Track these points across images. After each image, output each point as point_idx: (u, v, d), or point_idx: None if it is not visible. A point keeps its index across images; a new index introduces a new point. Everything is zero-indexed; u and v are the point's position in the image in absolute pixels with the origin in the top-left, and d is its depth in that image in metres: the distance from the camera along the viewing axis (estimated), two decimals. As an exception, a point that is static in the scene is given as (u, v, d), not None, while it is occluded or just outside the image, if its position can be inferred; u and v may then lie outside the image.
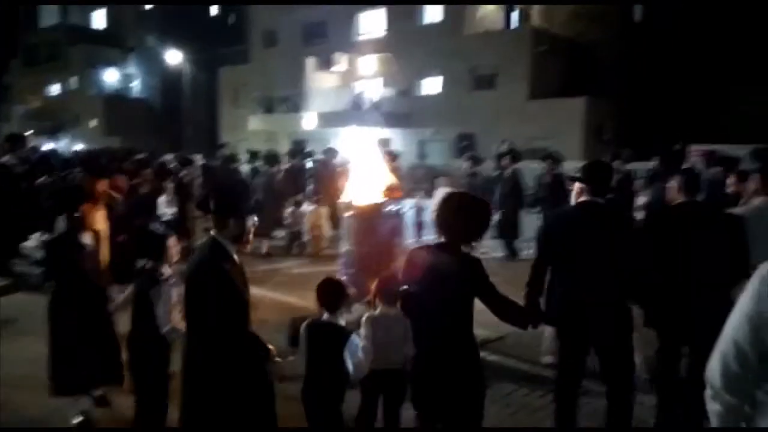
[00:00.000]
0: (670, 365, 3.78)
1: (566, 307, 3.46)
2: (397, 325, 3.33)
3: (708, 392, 1.78)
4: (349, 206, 5.47)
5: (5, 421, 4.05)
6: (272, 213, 10.03)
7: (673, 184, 3.76)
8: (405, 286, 3.21)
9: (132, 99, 40.81)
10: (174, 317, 3.43)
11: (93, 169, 5.93)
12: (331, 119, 25.72)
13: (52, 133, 38.01)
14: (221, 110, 34.04)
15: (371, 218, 5.31)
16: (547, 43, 23.68)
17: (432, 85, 26.78)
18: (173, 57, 30.93)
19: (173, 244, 3.68)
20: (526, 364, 4.93)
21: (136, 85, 41.97)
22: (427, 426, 3.18)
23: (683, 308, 3.57)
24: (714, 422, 1.76)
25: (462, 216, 3.05)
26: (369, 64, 28.31)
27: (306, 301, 5.61)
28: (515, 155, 10.07)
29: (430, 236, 11.65)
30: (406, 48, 25.89)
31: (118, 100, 39.41)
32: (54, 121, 39.07)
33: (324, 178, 10.73)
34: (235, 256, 2.95)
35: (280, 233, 10.39)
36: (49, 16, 42.86)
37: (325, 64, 28.39)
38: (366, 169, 5.62)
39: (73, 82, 40.57)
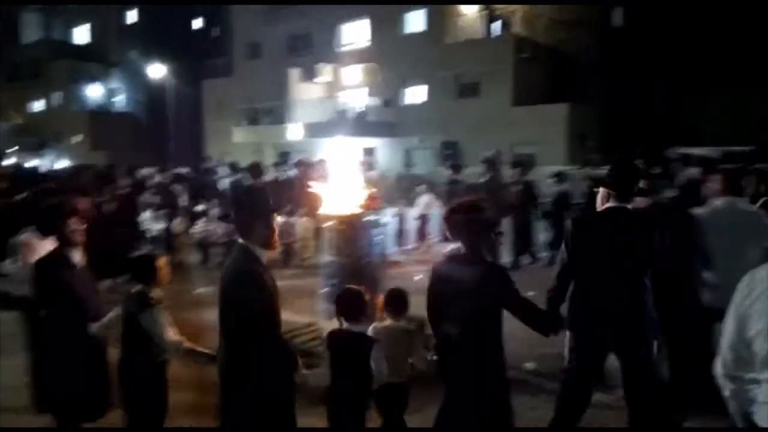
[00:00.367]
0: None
1: (589, 315, 3.40)
2: (404, 338, 3.34)
3: (718, 383, 2.09)
4: (328, 217, 5.45)
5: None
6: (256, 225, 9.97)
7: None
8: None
9: (116, 114, 40.61)
10: (170, 336, 3.38)
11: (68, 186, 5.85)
12: (316, 130, 25.74)
13: (37, 149, 37.73)
14: (206, 123, 33.98)
15: (351, 229, 5.29)
16: (529, 50, 23.91)
17: (417, 94, 26.91)
18: (157, 71, 30.84)
19: (164, 265, 3.57)
20: (511, 371, 4.91)
21: (120, 100, 41.78)
22: None
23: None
24: (731, 410, 2.07)
25: (474, 224, 3.05)
26: (353, 74, 28.41)
27: (300, 315, 5.58)
28: (523, 165, 10.12)
29: (411, 245, 11.79)
30: (390, 57, 26.03)
31: (102, 115, 39.21)
32: (38, 137, 38.79)
33: (304, 189, 10.70)
34: (265, 262, 2.92)
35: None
36: (31, 32, 42.64)
37: (310, 75, 28.45)
38: (345, 179, 5.61)
39: (57, 97, 40.33)
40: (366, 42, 28.23)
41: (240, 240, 2.91)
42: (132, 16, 40.38)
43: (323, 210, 5.57)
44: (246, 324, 2.77)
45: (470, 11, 25.81)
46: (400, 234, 11.98)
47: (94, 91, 40.88)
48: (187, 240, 10.11)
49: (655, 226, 3.38)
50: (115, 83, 41.38)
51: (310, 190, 5.62)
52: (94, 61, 40.37)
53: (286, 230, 10.18)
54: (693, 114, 21.96)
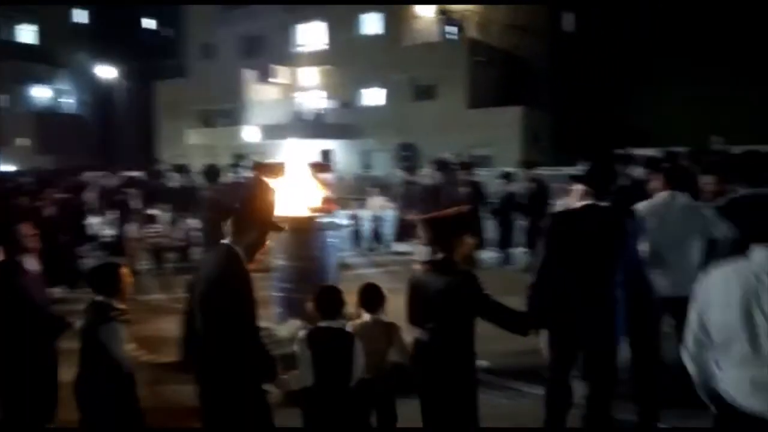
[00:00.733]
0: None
1: (561, 311, 3.46)
2: (383, 332, 3.33)
3: (685, 362, 2.40)
4: (281, 220, 5.39)
5: None
6: (217, 229, 9.81)
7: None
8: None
9: (65, 116, 39.25)
10: (126, 352, 3.26)
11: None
12: (272, 132, 25.50)
13: (-22, 152, 36.17)
14: (158, 125, 33.25)
15: (304, 232, 5.25)
16: (483, 54, 24.26)
17: (374, 96, 26.95)
18: (106, 72, 30.02)
19: (127, 275, 3.42)
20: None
21: (68, 102, 40.49)
22: None
23: None
24: (696, 387, 2.39)
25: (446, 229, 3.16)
26: (310, 76, 28.26)
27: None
28: (470, 166, 10.27)
29: (366, 248, 11.79)
30: (347, 60, 26.00)
31: (49, 117, 37.81)
32: (-19, 140, 37.19)
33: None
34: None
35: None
36: (-27, 31, 40.89)
37: (265, 76, 28.15)
38: (299, 181, 5.57)
39: (2, 99, 38.77)
40: (322, 44, 28.12)
41: (224, 241, 2.81)
42: (80, 15, 39.17)
43: (276, 213, 5.50)
44: (238, 323, 2.71)
45: (426, 14, 26.01)
46: (356, 236, 11.96)
47: (40, 93, 39.46)
48: (141, 245, 9.82)
49: (626, 221, 3.52)
50: (62, 84, 40.09)
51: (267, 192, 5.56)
52: (40, 61, 38.92)
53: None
54: (641, 116, 22.69)
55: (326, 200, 5.62)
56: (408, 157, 22.07)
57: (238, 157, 20.54)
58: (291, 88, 28.58)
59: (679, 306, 4.02)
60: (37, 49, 39.73)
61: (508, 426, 4.00)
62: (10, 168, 26.28)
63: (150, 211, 10.52)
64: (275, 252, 5.42)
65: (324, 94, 27.68)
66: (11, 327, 3.46)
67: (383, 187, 12.39)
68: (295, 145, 21.06)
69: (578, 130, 22.61)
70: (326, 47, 27.88)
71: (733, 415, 2.20)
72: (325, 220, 5.49)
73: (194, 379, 2.86)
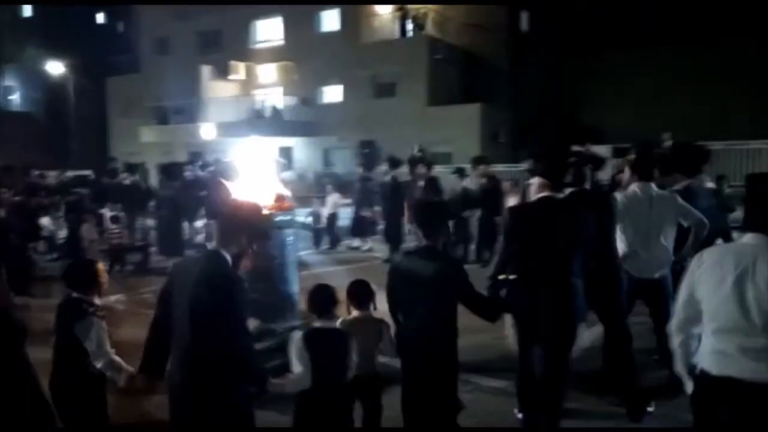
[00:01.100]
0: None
1: (527, 299, 3.57)
2: (373, 329, 3.35)
3: (669, 336, 2.68)
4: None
5: None
6: (178, 229, 9.67)
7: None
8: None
9: (12, 113, 37.86)
10: (108, 350, 3.16)
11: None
12: (230, 129, 25.07)
13: None
14: (111, 122, 32.34)
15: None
16: (442, 52, 24.38)
17: (334, 94, 26.78)
18: (56, 67, 29.02)
19: (103, 271, 3.37)
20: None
21: (16, 98, 39.06)
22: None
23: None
24: (675, 355, 2.67)
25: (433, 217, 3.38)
26: (268, 72, 27.89)
27: None
28: (429, 162, 10.32)
29: (324, 246, 11.73)
30: (306, 56, 25.77)
31: (-4, 114, 36.45)
32: None
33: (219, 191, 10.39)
34: None
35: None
36: None
37: (222, 72, 27.63)
38: (254, 179, 5.45)
39: (-57, 95, 37.12)
40: (280, 40, 27.78)
41: (210, 245, 2.82)
42: (28, 9, 37.77)
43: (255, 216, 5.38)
44: (234, 329, 2.70)
45: (384, 12, 25.98)
46: (316, 234, 11.89)
47: (-15, 89, 37.99)
48: (98, 246, 9.48)
49: (581, 211, 3.71)
50: (10, 81, 38.67)
51: (224, 191, 5.44)
52: (-15, 56, 37.46)
53: (209, 232, 9.82)
54: (594, 113, 23.23)
55: (281, 198, 5.50)
56: (368, 154, 21.99)
57: (194, 156, 20.15)
58: (249, 84, 28.15)
59: (651, 287, 4.26)
60: (-19, 44, 38.21)
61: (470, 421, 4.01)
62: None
63: (109, 212, 10.22)
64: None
65: (282, 90, 27.35)
66: None
67: (343, 185, 12.36)
68: (253, 143, 20.79)
69: (535, 128, 23.02)
70: (285, 43, 27.56)
71: (711, 384, 2.47)
72: (283, 218, 5.39)
73: (164, 387, 2.80)
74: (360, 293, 3.47)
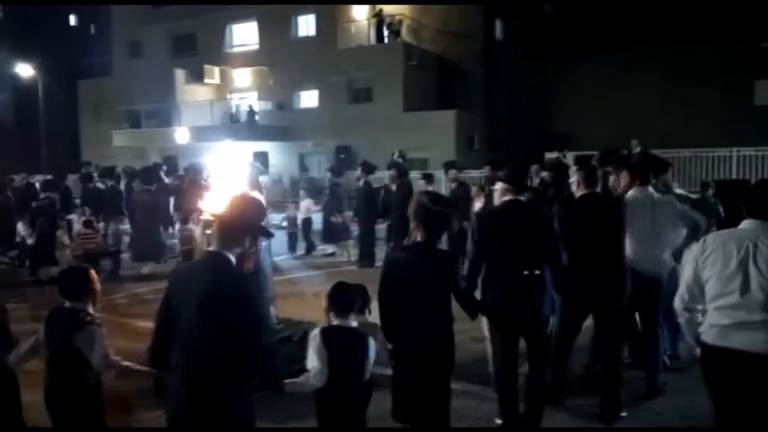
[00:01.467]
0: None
1: (499, 299, 3.76)
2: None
3: (677, 313, 3.03)
4: (209, 222, 5.23)
5: None
6: (157, 234, 9.57)
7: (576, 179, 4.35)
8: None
9: (-21, 115, 36.99)
10: (115, 358, 3.11)
11: None
12: (204, 133, 24.86)
13: None
14: (83, 125, 31.81)
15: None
16: (417, 58, 24.55)
17: (310, 98, 26.74)
18: (25, 69, 28.45)
19: (96, 279, 3.30)
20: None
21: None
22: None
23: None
24: (684, 331, 3.08)
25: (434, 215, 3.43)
26: (244, 77, 27.74)
27: None
28: (403, 168, 10.44)
29: (298, 251, 11.70)
30: (282, 61, 25.70)
31: (-38, 116, 35.54)
32: None
33: (193, 195, 10.32)
34: None
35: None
36: None
37: (197, 76, 27.38)
38: (227, 184, 5.41)
39: None
40: (256, 44, 27.66)
41: (212, 247, 2.73)
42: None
43: (205, 216, 5.34)
44: (249, 326, 2.65)
45: (360, 18, 26.06)
46: (291, 238, 11.86)
47: (-49, 91, 37.02)
48: (73, 251, 9.29)
49: (545, 214, 4.01)
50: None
51: (200, 195, 5.38)
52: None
53: (185, 237, 9.71)
54: (566, 120, 23.62)
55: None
56: (343, 159, 22.01)
57: (168, 159, 19.94)
58: (224, 88, 27.95)
59: (648, 286, 4.44)
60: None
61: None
62: None
63: (83, 216, 10.05)
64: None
65: (258, 95, 27.22)
66: None
67: (317, 190, 12.40)
68: (227, 148, 20.64)
69: (509, 134, 23.32)
70: (260, 48, 27.44)
71: (715, 353, 2.80)
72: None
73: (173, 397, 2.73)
74: (339, 300, 3.36)
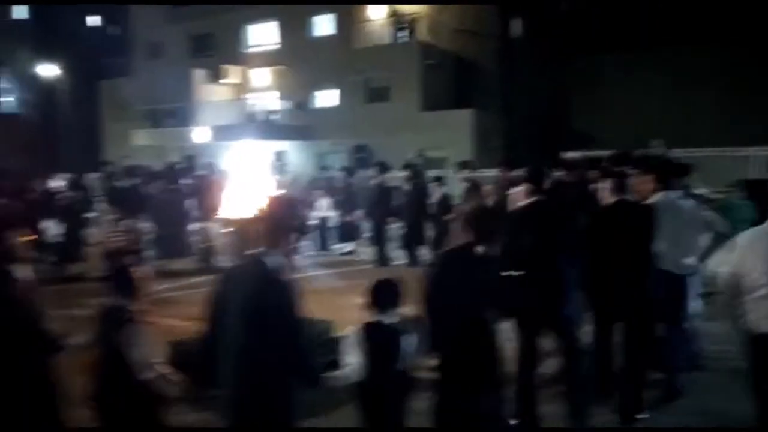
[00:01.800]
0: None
1: (527, 298, 3.82)
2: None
3: (721, 303, 3.32)
4: (228, 221, 5.34)
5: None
6: (181, 232, 9.69)
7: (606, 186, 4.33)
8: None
9: (5, 115, 37.72)
10: (154, 362, 3.09)
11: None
12: (223, 133, 25.10)
13: None
14: (104, 125, 32.28)
15: (250, 234, 5.19)
16: (435, 57, 24.52)
17: (328, 98, 26.86)
18: (48, 70, 28.96)
19: (147, 277, 3.37)
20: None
21: (8, 101, 38.89)
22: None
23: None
24: (731, 320, 3.28)
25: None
26: (262, 76, 27.95)
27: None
28: (417, 169, 10.53)
29: (313, 250, 11.77)
30: (300, 60, 25.85)
31: (-12, 116, 36.30)
32: None
33: (211, 194, 10.45)
34: None
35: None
36: None
37: (216, 76, 27.67)
38: (244, 183, 5.51)
39: (-66, 97, 36.93)
40: (274, 44, 27.86)
41: (260, 249, 2.82)
42: (21, 11, 37.65)
43: (223, 214, 5.46)
44: (294, 326, 2.76)
45: (377, 17, 26.12)
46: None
47: (-23, 91, 37.82)
48: (99, 250, 9.47)
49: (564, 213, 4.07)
50: (2, 83, 38.52)
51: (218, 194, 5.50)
52: (-23, 58, 37.31)
53: (205, 235, 9.84)
54: (585, 119, 23.40)
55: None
56: (361, 158, 22.09)
57: (189, 159, 20.14)
58: (242, 88, 28.20)
59: (672, 284, 4.48)
60: (-27, 46, 38.08)
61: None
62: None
63: (109, 215, 10.21)
64: (222, 254, 5.36)
65: (276, 95, 27.42)
66: (3, 344, 3.12)
67: (334, 189, 12.48)
68: (246, 147, 20.82)
69: (527, 133, 23.17)
70: (278, 47, 27.65)
71: (759, 339, 3.09)
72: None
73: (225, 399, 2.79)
74: (383, 295, 3.36)
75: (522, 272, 3.79)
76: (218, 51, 28.75)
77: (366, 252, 10.74)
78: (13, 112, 37.87)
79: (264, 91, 27.82)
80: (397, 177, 11.10)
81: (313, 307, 6.02)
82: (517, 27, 24.87)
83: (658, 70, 22.39)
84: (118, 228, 9.70)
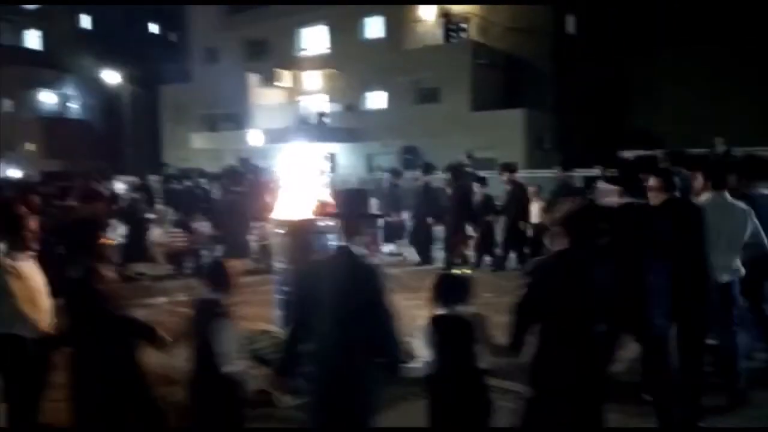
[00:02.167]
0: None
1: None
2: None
3: None
4: (281, 223, 5.46)
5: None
6: (241, 233, 9.93)
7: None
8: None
9: (71, 120, 39.56)
10: (236, 357, 3.20)
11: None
12: (276, 135, 25.58)
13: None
14: (164, 129, 33.42)
15: (304, 235, 5.31)
16: (485, 56, 24.29)
17: (377, 100, 27.02)
18: (111, 76, 30.23)
19: (238, 271, 3.47)
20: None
21: (74, 107, 40.77)
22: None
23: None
24: None
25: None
26: (314, 79, 28.37)
27: (254, 322, 5.48)
28: (460, 170, 10.49)
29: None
30: (350, 63, 26.10)
31: (55, 122, 38.13)
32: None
33: (264, 195, 10.68)
34: None
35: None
36: (-20, 37, 41.27)
37: (269, 80, 28.29)
38: (297, 185, 5.63)
39: (8, 104, 39.07)
40: (325, 48, 28.24)
41: (342, 242, 2.95)
42: (86, 21, 39.46)
43: (275, 216, 5.59)
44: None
45: (428, 18, 26.09)
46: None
47: (46, 98, 39.76)
48: (163, 250, 9.85)
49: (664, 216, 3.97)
50: (68, 89, 40.37)
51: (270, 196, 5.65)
52: (46, 66, 39.24)
53: (261, 235, 10.07)
54: (645, 117, 22.69)
55: (324, 203, 5.67)
56: (409, 160, 22.11)
57: (243, 161, 20.65)
58: (295, 91, 28.70)
59: (722, 288, 4.36)
60: (43, 55, 40.08)
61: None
62: (17, 173, 26.51)
63: (171, 216, 10.60)
64: (276, 255, 5.49)
65: (327, 97, 27.78)
66: (94, 337, 3.30)
67: (380, 190, 12.55)
68: (298, 149, 21.16)
69: (582, 133, 22.63)
70: (329, 51, 28.01)
71: None
72: (324, 223, 5.55)
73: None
74: (448, 289, 3.38)
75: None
76: (272, 55, 29.37)
77: (410, 252, 10.78)
78: (79, 118, 39.73)
79: (315, 94, 28.23)
80: (441, 178, 11.10)
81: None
82: (571, 24, 24.36)
83: (723, 65, 21.50)
84: (177, 229, 10.08)
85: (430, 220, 10.25)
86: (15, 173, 26.09)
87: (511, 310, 3.12)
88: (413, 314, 3.61)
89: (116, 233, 10.30)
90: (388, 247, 11.73)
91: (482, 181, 10.34)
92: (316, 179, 6.02)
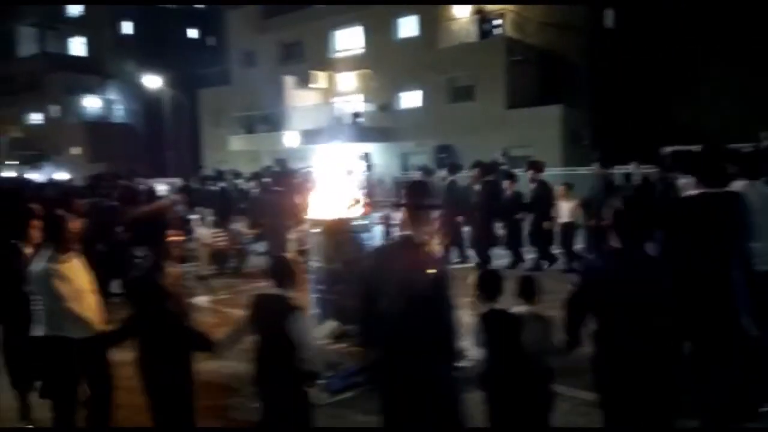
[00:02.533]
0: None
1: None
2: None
3: None
4: (316, 222, 5.55)
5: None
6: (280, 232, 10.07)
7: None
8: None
9: (114, 125, 40.75)
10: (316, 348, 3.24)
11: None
12: (312, 136, 25.86)
13: (35, 162, 37.88)
14: (203, 132, 34.11)
15: (340, 234, 5.38)
16: (521, 53, 24.02)
17: (412, 99, 27.02)
18: (153, 81, 31.02)
19: (298, 267, 3.49)
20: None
21: (117, 111, 41.94)
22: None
23: None
24: None
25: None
26: (348, 80, 28.56)
27: None
28: (487, 167, 10.46)
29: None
30: (384, 63, 26.18)
31: (100, 126, 39.34)
32: (37, 150, 38.93)
33: (302, 195, 10.81)
34: None
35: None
36: (28, 46, 42.84)
37: (305, 82, 28.59)
38: (332, 184, 5.72)
39: (54, 110, 40.47)
40: (359, 48, 28.39)
41: (406, 231, 3.04)
42: (127, 27, 40.56)
43: (311, 216, 5.68)
44: (447, 303, 2.96)
45: (462, 15, 25.97)
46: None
47: (91, 103, 41.04)
48: (208, 250, 10.12)
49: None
50: (112, 94, 41.52)
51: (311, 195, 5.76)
52: (90, 73, 40.53)
53: (301, 237, 10.20)
54: (683, 112, 22.10)
55: (359, 202, 5.73)
56: (442, 158, 22.04)
57: (280, 162, 20.94)
58: (330, 92, 28.93)
59: (759, 280, 4.14)
60: (87, 61, 41.41)
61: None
62: (64, 176, 27.47)
63: (209, 217, 10.86)
64: (312, 254, 5.58)
65: (362, 97, 27.92)
66: (158, 341, 3.31)
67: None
68: (333, 150, 21.35)
69: (621, 129, 22.17)
70: (363, 51, 28.14)
71: None
72: (360, 222, 5.61)
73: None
74: (527, 287, 3.40)
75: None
76: (307, 57, 29.68)
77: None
78: (122, 122, 40.87)
79: (350, 94, 28.40)
80: (468, 176, 11.07)
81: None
82: (610, 17, 23.85)
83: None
84: (218, 229, 10.32)
85: (459, 218, 10.23)
86: (62, 176, 27.01)
87: (565, 307, 3.09)
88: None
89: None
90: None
91: (512, 177, 10.27)
92: (351, 179, 6.09)
